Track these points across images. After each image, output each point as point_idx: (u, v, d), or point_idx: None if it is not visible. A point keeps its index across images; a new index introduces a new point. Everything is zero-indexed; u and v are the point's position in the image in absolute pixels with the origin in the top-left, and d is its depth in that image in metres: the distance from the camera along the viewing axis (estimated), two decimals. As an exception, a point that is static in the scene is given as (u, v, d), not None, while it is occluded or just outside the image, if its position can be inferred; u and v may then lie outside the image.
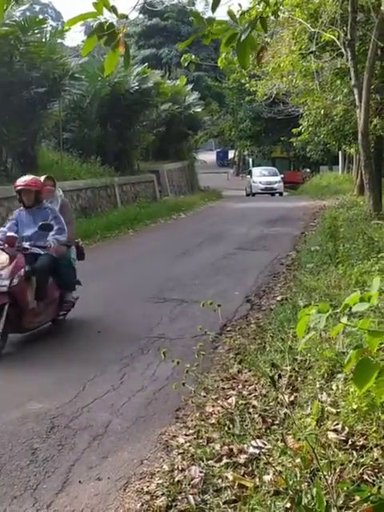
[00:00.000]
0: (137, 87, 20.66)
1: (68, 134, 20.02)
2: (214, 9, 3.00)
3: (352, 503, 2.72)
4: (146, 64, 24.45)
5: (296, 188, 38.23)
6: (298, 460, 3.03)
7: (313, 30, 14.44)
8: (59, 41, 19.26)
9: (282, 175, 37.45)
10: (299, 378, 4.80)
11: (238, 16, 3.88)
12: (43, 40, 15.81)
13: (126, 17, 2.93)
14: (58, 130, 18.59)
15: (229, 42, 3.14)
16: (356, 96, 14.52)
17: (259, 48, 3.10)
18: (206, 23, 3.06)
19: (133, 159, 23.59)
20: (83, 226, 15.12)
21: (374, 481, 3.14)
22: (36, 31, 15.36)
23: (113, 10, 2.79)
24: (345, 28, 14.05)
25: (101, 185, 18.41)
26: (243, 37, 2.85)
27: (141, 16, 42.81)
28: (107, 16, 3.13)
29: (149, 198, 22.16)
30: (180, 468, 3.54)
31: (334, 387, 4.36)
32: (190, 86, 30.07)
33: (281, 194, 34.88)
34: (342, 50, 14.37)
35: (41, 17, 19.55)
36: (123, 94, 20.28)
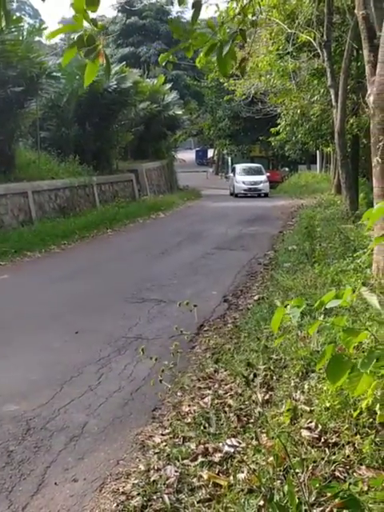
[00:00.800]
0: (115, 86, 20.59)
1: (45, 133, 19.89)
2: (193, 21, 3.05)
3: (323, 500, 2.77)
4: (125, 63, 24.35)
5: (275, 187, 38.42)
6: (272, 458, 3.08)
7: (290, 30, 14.59)
8: (37, 39, 19.12)
9: (268, 173, 33.98)
10: (274, 377, 4.86)
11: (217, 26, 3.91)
12: (20, 38, 15.68)
13: (106, 29, 2.96)
14: (36, 128, 18.45)
15: (208, 53, 3.18)
16: (332, 96, 14.71)
17: (241, 58, 3.15)
18: (187, 35, 3.10)
19: (111, 158, 23.51)
20: (61, 225, 15.09)
21: (345, 477, 3.21)
22: (13, 29, 15.22)
23: (92, 22, 2.82)
24: (321, 29, 14.21)
25: (79, 184, 18.33)
26: (225, 50, 2.90)
27: (119, 15, 42.68)
28: (86, 25, 3.15)
29: (127, 197, 22.12)
30: (156, 468, 3.57)
31: (307, 385, 4.43)
32: (168, 85, 30.05)
33: (266, 194, 30.63)
34: (319, 51, 14.53)
35: (18, 15, 19.39)
36: (101, 93, 20.19)
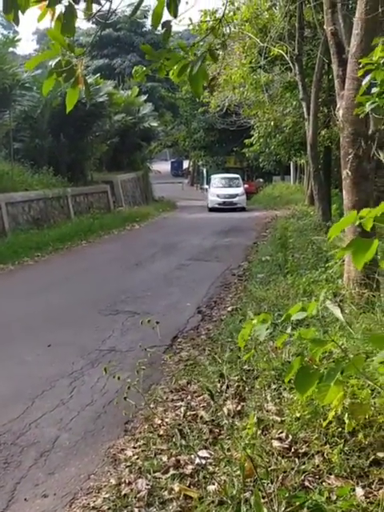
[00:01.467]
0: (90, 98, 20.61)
1: (19, 144, 19.78)
2: (164, 41, 3.10)
3: (290, 510, 2.80)
4: (99, 74, 24.37)
5: (250, 198, 38.59)
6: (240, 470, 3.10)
7: (262, 44, 14.79)
8: (10, 50, 19.05)
9: (246, 185, 32.33)
10: (247, 388, 4.89)
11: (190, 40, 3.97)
12: (-7, 50, 15.64)
13: (84, 54, 2.98)
14: (9, 140, 18.34)
15: (180, 73, 3.23)
16: (304, 109, 14.94)
17: (211, 77, 3.22)
18: (158, 56, 3.15)
19: (86, 170, 23.46)
20: (35, 237, 14.98)
21: (314, 487, 3.25)
22: (-15, 41, 15.18)
23: (70, 48, 2.85)
24: (292, 43, 14.45)
25: (53, 195, 18.23)
26: (195, 69, 2.95)
27: (93, 26, 42.73)
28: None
29: (102, 208, 22.06)
30: (127, 481, 3.56)
31: (279, 396, 4.47)
32: (143, 97, 30.12)
33: (243, 208, 28.13)
34: (291, 65, 14.76)
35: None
36: (75, 104, 20.14)
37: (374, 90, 4.17)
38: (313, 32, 15.63)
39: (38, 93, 18.46)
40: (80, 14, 3.32)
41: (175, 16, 2.76)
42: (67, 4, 2.66)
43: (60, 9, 2.68)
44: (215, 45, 3.30)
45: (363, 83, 4.23)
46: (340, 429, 3.70)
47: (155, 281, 10.55)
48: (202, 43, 4.27)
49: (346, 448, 3.56)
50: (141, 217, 22.35)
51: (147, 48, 3.23)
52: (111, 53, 43.85)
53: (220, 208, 27.74)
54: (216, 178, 31.29)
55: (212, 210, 28.02)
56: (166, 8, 2.80)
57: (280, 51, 14.75)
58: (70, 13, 2.66)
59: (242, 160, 40.85)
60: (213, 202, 28.55)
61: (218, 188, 29.55)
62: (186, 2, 8.60)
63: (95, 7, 2.81)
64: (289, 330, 3.24)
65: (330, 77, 15.78)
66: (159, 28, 2.92)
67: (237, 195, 28.53)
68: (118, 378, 3.70)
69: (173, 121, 44.55)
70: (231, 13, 16.09)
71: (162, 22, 2.86)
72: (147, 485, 3.46)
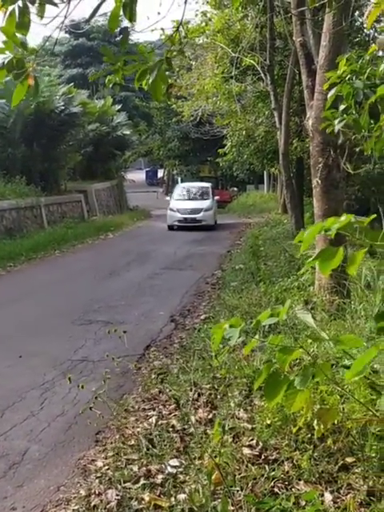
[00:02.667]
0: (63, 107, 20.54)
1: (-9, 154, 19.59)
2: (122, 47, 3.12)
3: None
4: (73, 84, 24.33)
5: (224, 207, 38.77)
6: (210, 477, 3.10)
7: (234, 54, 14.94)
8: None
9: (217, 196, 27.42)
10: (218, 396, 4.91)
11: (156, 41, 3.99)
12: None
13: (36, 52, 2.99)
14: (-20, 149, 18.17)
15: (141, 78, 3.25)
16: (276, 118, 15.10)
17: (168, 85, 3.23)
18: (117, 60, 3.17)
19: (60, 179, 23.33)
20: (7, 247, 14.82)
21: (283, 493, 3.26)
22: None
23: (22, 46, 2.84)
24: (264, 54, 14.62)
25: (26, 205, 18.08)
26: (152, 77, 2.98)
27: (66, 36, 42.66)
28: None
29: (76, 218, 21.93)
30: (97, 492, 3.54)
31: (250, 403, 4.49)
32: (117, 106, 30.12)
33: (212, 227, 22.06)
34: (262, 75, 14.93)
35: None
36: (49, 113, 20.08)
37: (342, 107, 4.22)
38: (284, 43, 15.85)
39: (7, 105, 18.35)
40: (55, 23, 3.33)
41: (130, 20, 2.77)
42: (21, 4, 2.66)
43: (13, 7, 2.67)
44: (173, 52, 3.33)
45: (328, 96, 4.29)
46: (310, 435, 3.73)
47: (129, 290, 10.52)
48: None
49: (316, 454, 3.59)
50: (115, 226, 22.27)
51: (107, 50, 3.26)
52: (85, 62, 43.82)
53: (181, 226, 21.74)
54: (179, 188, 25.43)
55: (171, 228, 22.09)
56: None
57: (252, 61, 14.92)
58: (23, 12, 2.66)
59: (216, 169, 41.08)
60: (172, 219, 22.15)
61: (180, 201, 23.05)
62: (158, 13, 8.69)
63: (55, 11, 2.81)
64: (257, 337, 3.26)
65: (301, 87, 15.99)
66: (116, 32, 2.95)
67: (202, 210, 22.01)
68: (82, 387, 3.66)
69: (147, 130, 44.60)
70: (203, 23, 16.26)
71: (120, 27, 2.89)
72: (117, 495, 3.44)
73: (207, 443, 3.88)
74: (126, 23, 3.10)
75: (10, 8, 2.69)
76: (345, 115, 4.25)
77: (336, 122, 4.35)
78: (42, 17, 2.73)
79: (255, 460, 3.65)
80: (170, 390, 5.11)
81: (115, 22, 2.82)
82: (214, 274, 11.87)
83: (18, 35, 2.78)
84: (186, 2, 3.63)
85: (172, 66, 3.06)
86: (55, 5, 2.72)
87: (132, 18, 2.78)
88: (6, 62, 2.79)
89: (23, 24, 2.66)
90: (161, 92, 3.09)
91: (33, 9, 2.72)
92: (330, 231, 2.32)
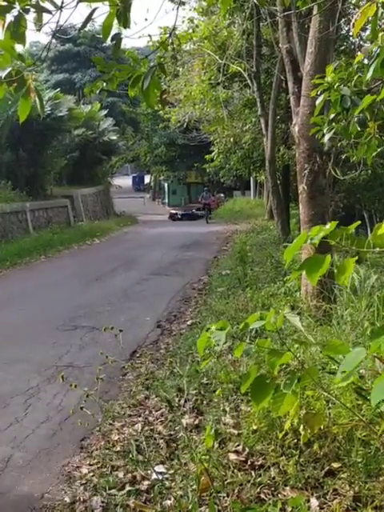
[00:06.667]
0: (49, 112, 20.46)
1: (-24, 159, 19.47)
2: (114, 54, 3.10)
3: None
4: (59, 89, 24.26)
5: (210, 212, 38.69)
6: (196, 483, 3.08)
7: (221, 61, 14.99)
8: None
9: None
10: (205, 401, 4.88)
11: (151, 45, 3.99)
12: None
13: (35, 64, 2.95)
14: (-34, 154, 18.04)
15: (134, 85, 3.23)
16: (263, 125, 15.17)
17: (161, 91, 3.22)
18: (110, 67, 3.15)
19: (45, 184, 23.22)
20: (-9, 252, 14.71)
21: (269, 499, 3.25)
22: None
23: (20, 58, 2.82)
24: (251, 61, 14.69)
25: (11, 210, 17.96)
26: (146, 84, 2.96)
27: (53, 41, 42.65)
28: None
29: (62, 223, 21.82)
30: (82, 499, 3.50)
31: (236, 409, 4.47)
32: (104, 112, 30.09)
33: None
34: (249, 82, 15.00)
35: None
36: (35, 119, 19.98)
37: (332, 115, 4.23)
38: (270, 50, 15.95)
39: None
40: (43, 29, 3.30)
41: (125, 27, 2.76)
42: (16, 13, 2.64)
43: (10, 18, 2.65)
44: (166, 58, 3.32)
45: (317, 103, 4.30)
46: (296, 440, 3.72)
47: (115, 296, 10.47)
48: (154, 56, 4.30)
49: (302, 459, 3.58)
50: (101, 231, 22.20)
51: (98, 59, 3.23)
52: (71, 67, 43.79)
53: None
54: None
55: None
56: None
57: (238, 68, 15.00)
58: (18, 22, 2.64)
59: (203, 175, 41.11)
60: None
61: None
62: (145, 19, 8.70)
63: (45, 17, 2.79)
64: (247, 340, 3.25)
65: (288, 94, 16.11)
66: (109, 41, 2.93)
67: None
68: (75, 386, 3.62)
69: (134, 136, 44.61)
70: (190, 30, 16.31)
71: (112, 34, 2.88)
72: (102, 502, 3.41)
73: (194, 449, 3.85)
74: (115, 30, 3.09)
75: (8, 20, 2.66)
76: (333, 123, 4.27)
77: (325, 130, 4.36)
78: (40, 26, 2.70)
79: (241, 466, 3.63)
80: (157, 396, 5.08)
81: (109, 31, 2.80)
82: (201, 280, 11.85)
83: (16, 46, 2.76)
84: (178, 9, 3.62)
85: (166, 72, 3.04)
86: (50, 13, 2.69)
87: (126, 24, 2.77)
88: (3, 75, 2.75)
89: (19, 34, 2.64)
90: (154, 98, 3.07)
91: (29, 17, 2.69)
92: (315, 240, 2.31)
